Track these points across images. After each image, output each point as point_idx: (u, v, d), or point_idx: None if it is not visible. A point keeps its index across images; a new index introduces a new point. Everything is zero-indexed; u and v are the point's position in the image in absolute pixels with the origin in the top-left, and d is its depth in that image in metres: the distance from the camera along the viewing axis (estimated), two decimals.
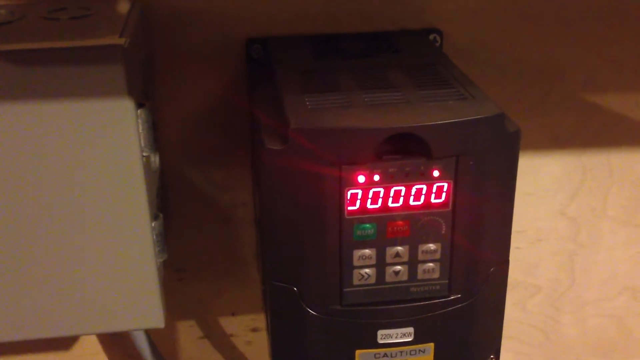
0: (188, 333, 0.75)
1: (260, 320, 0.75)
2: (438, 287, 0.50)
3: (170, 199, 0.67)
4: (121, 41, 0.46)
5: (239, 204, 0.69)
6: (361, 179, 0.46)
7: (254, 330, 0.75)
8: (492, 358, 0.54)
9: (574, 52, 0.67)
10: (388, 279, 0.49)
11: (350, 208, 0.47)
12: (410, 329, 0.50)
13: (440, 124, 0.45)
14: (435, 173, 0.46)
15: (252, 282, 0.72)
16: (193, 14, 0.62)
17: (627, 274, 0.79)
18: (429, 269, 0.49)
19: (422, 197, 0.47)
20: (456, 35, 0.65)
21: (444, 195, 0.47)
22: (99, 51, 0.45)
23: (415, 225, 0.48)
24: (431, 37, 0.63)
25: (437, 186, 0.47)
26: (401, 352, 0.51)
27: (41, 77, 0.46)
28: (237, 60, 0.63)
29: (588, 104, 0.70)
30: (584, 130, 0.71)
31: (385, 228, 0.47)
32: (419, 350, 0.51)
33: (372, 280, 0.49)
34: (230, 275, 0.72)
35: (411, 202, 0.47)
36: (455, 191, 0.47)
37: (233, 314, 0.74)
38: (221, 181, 0.68)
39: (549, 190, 0.73)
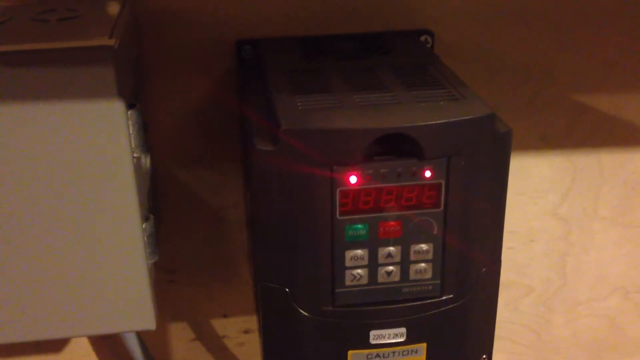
0: (179, 335, 0.74)
1: (252, 321, 0.75)
2: (430, 287, 0.50)
3: (160, 200, 0.67)
4: (111, 42, 0.45)
5: (229, 205, 0.69)
6: (353, 179, 0.46)
7: (246, 332, 0.75)
8: (484, 358, 0.54)
9: (564, 53, 0.68)
10: (380, 279, 0.49)
11: (341, 209, 0.46)
12: (403, 330, 0.50)
13: (432, 124, 0.45)
14: (427, 173, 0.46)
15: (244, 284, 0.72)
16: (183, 15, 0.61)
17: (618, 274, 0.79)
18: (421, 269, 0.49)
19: (414, 198, 0.47)
20: (447, 37, 0.65)
21: (435, 195, 0.47)
22: (88, 52, 0.45)
23: (407, 226, 0.48)
24: (422, 38, 0.63)
25: (429, 186, 0.47)
26: (394, 352, 0.51)
27: (31, 78, 0.45)
28: (227, 61, 0.63)
29: (578, 104, 0.70)
30: (574, 130, 0.71)
31: (377, 228, 0.47)
32: (412, 350, 0.51)
33: (364, 280, 0.49)
34: (222, 277, 0.72)
35: (403, 203, 0.47)
36: (446, 191, 0.47)
37: (225, 316, 0.74)
38: (212, 182, 0.68)
39: (540, 191, 0.73)
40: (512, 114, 0.68)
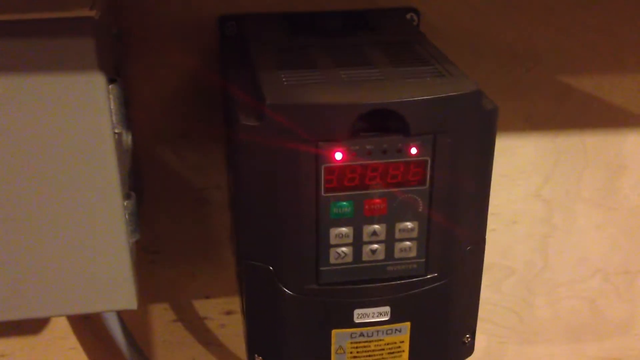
0: (161, 316, 0.74)
1: (234, 303, 0.74)
2: (415, 265, 0.49)
3: (142, 180, 0.66)
4: (92, 13, 0.44)
5: (212, 186, 0.68)
6: (338, 155, 0.45)
7: (228, 313, 0.75)
8: (467, 338, 0.54)
9: (549, 35, 0.67)
10: (365, 257, 0.49)
11: (327, 185, 0.46)
12: (387, 308, 0.50)
13: (418, 99, 0.44)
14: (413, 150, 0.46)
15: (226, 265, 0.72)
16: None
17: (600, 256, 0.79)
18: (406, 247, 0.49)
19: (400, 175, 0.46)
20: (433, 16, 0.64)
21: (421, 172, 0.47)
22: (69, 23, 0.44)
23: (392, 203, 0.47)
24: (408, 16, 0.63)
25: (415, 163, 0.46)
26: (377, 331, 0.51)
27: (8, 49, 0.44)
28: (209, 37, 0.62)
29: (562, 86, 0.70)
30: (558, 112, 0.71)
31: (363, 206, 0.47)
32: (396, 329, 0.51)
33: (349, 259, 0.48)
34: (204, 258, 0.71)
35: (388, 180, 0.46)
36: (432, 169, 0.47)
37: (207, 297, 0.74)
38: (194, 162, 0.67)
39: (524, 172, 0.73)
40: (496, 95, 0.67)
